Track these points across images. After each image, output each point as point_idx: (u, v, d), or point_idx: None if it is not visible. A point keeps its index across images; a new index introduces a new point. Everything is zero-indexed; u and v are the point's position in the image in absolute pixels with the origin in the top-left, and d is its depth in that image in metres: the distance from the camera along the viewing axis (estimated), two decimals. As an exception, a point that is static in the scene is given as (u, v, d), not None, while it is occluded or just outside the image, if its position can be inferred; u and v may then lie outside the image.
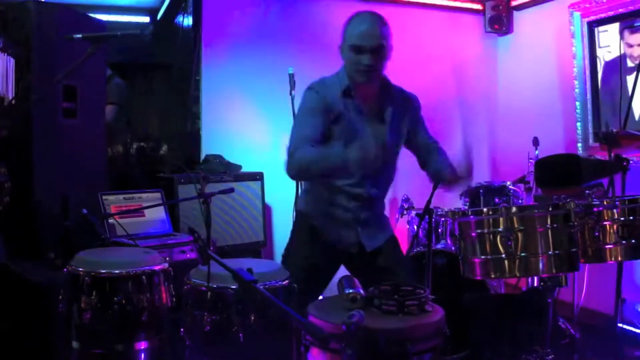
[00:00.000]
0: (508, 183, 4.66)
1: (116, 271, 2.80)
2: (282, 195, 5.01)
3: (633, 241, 2.51)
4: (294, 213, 3.48)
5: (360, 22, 2.91)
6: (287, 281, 2.62)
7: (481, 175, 5.24)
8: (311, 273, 2.97)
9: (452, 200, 4.76)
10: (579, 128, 5.25)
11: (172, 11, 5.89)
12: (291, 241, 3.20)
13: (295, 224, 3.24)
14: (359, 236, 3.04)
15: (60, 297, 2.84)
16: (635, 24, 3.32)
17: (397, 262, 3.13)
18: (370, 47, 2.83)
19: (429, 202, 3.13)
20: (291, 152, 2.76)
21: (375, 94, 3.00)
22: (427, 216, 3.15)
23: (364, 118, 2.96)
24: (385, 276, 2.83)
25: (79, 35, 2.82)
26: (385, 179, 3.14)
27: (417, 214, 4.59)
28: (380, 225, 3.16)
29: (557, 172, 2.76)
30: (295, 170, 2.77)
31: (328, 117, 2.87)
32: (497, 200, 4.48)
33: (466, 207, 4.38)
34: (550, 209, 2.28)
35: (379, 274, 2.95)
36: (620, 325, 4.50)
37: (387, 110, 3.00)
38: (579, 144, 5.26)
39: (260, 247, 4.92)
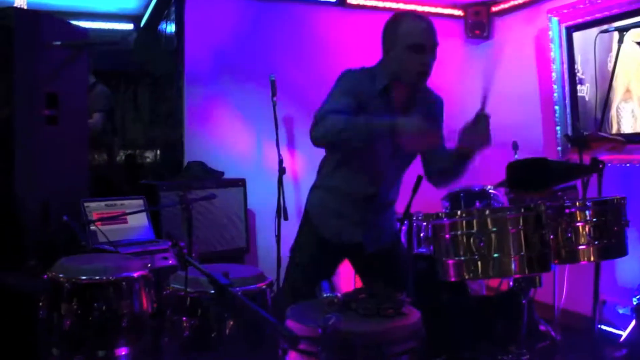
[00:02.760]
0: (488, 187, 4.70)
1: (96, 277, 2.82)
2: (264, 202, 5.03)
3: (605, 241, 2.55)
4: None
5: (416, 20, 2.83)
6: (264, 286, 2.64)
7: (462, 180, 5.27)
8: (314, 270, 2.91)
9: (433, 205, 4.79)
10: (559, 132, 5.31)
11: (155, 19, 5.92)
12: (297, 239, 3.12)
13: (302, 221, 3.14)
14: (361, 236, 2.98)
15: (41, 303, 2.85)
16: (610, 29, 3.37)
17: (397, 267, 3.08)
18: (430, 45, 2.80)
19: (408, 206, 3.15)
20: (321, 116, 2.67)
21: (409, 94, 2.93)
22: (406, 221, 3.17)
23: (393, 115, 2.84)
24: (384, 278, 2.85)
25: (59, 42, 2.83)
26: (398, 185, 3.09)
27: (397, 219, 4.62)
28: (385, 229, 3.10)
29: (527, 175, 2.79)
30: (324, 130, 2.64)
31: (356, 104, 2.76)
32: (477, 204, 4.52)
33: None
34: (522, 210, 2.32)
35: (379, 275, 2.95)
36: (600, 326, 4.56)
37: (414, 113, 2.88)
38: (559, 148, 5.31)
39: (243, 254, 4.94)
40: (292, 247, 3.10)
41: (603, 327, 4.66)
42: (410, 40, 2.77)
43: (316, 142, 2.74)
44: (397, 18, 2.87)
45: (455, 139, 2.87)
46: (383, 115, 2.76)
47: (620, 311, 4.73)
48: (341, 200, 2.97)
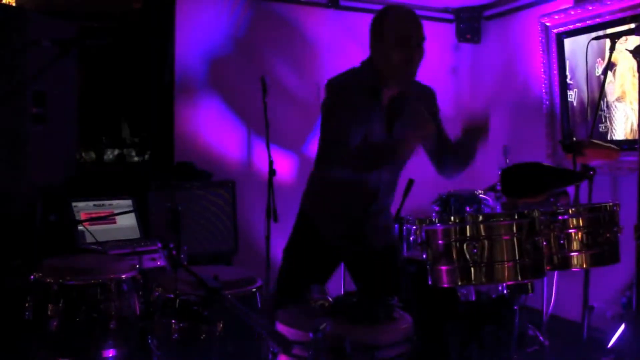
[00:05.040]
0: (478, 192, 4.70)
1: (84, 278, 2.78)
2: (254, 204, 5.01)
3: (598, 248, 2.54)
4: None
5: (403, 13, 2.72)
6: (254, 289, 2.62)
7: (452, 184, 5.28)
8: (309, 273, 2.90)
9: (423, 208, 4.79)
10: (548, 137, 5.32)
11: (145, 17, 5.87)
12: (293, 240, 3.05)
13: (298, 222, 3.07)
14: (363, 231, 2.95)
15: (27, 304, 2.81)
16: (602, 36, 3.37)
17: (395, 268, 3.04)
18: (417, 38, 2.68)
19: (399, 210, 3.14)
20: (339, 151, 2.69)
21: (398, 92, 2.84)
22: (397, 224, 3.16)
23: (383, 118, 2.82)
24: (383, 280, 2.82)
25: (47, 40, 2.79)
26: (395, 185, 3.04)
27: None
28: (387, 228, 3.07)
29: (521, 180, 2.77)
30: (352, 168, 2.71)
31: (353, 112, 2.73)
32: (467, 208, 4.51)
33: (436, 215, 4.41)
34: (516, 217, 2.31)
35: (378, 276, 2.92)
36: (588, 332, 4.56)
37: (403, 114, 2.85)
38: (548, 153, 5.32)
39: (232, 255, 4.91)
40: (287, 247, 3.04)
41: (591, 332, 4.66)
42: (396, 33, 2.67)
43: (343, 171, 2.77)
44: (384, 11, 2.77)
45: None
46: (371, 116, 2.75)
47: (609, 317, 4.74)
48: (342, 201, 2.93)
